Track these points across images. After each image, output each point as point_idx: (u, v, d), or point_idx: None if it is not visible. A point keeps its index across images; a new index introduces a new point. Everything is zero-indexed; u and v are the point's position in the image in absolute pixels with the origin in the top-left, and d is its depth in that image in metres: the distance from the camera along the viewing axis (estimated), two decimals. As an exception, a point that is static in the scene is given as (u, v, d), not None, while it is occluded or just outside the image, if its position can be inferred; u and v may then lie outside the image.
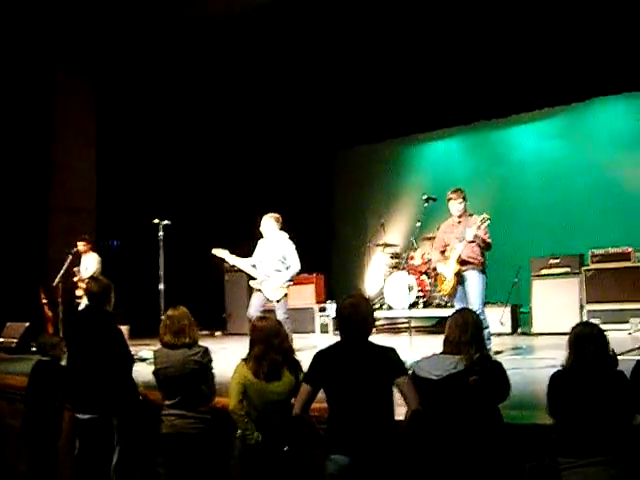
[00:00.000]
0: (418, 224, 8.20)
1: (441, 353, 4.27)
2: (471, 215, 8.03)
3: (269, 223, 9.05)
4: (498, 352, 8.10)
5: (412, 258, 12.87)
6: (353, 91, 13.97)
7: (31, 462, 6.30)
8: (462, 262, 7.85)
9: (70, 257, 11.15)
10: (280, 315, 8.67)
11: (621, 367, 4.04)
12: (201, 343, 5.48)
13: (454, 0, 11.14)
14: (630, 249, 10.74)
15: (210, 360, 5.39)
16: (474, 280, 7.82)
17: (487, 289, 8.01)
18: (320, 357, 4.43)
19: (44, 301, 11.74)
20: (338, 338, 4.46)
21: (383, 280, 13.50)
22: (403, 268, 12.72)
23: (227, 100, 14.42)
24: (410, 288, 11.85)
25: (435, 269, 8.71)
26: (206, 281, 14.21)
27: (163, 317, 5.60)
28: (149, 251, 9.70)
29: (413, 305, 12.02)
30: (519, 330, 11.37)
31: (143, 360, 7.44)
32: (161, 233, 9.16)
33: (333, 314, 12.06)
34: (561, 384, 4.01)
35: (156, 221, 9.19)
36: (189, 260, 13.53)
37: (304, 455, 4.74)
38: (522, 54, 11.86)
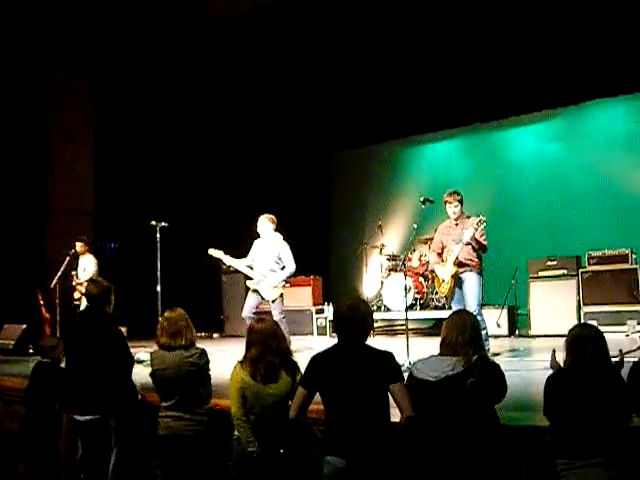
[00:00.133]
0: (415, 226, 8.20)
1: (438, 355, 4.26)
2: (468, 217, 8.05)
3: (264, 223, 9.11)
4: (496, 354, 8.11)
5: (409, 260, 12.88)
6: (351, 93, 13.98)
7: (30, 464, 6.30)
8: (459, 264, 7.87)
9: (68, 259, 11.16)
10: (276, 315, 8.70)
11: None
12: (198, 345, 5.47)
13: (453, 3, 11.13)
14: (627, 251, 10.77)
15: (207, 362, 5.38)
16: (471, 281, 7.84)
17: (484, 290, 8.05)
18: (316, 360, 4.42)
19: (41, 303, 11.74)
20: (335, 340, 4.45)
21: (380, 282, 13.52)
22: (400, 270, 12.73)
23: (225, 102, 14.42)
24: (407, 290, 11.85)
25: (433, 271, 8.71)
26: (203, 283, 14.21)
27: (160, 319, 5.60)
28: (146, 253, 9.70)
29: (410, 307, 12.02)
30: (516, 332, 11.39)
31: (140, 362, 7.43)
32: (158, 235, 9.15)
33: (330, 316, 12.07)
34: (558, 385, 4.01)
35: (153, 223, 9.20)
36: (186, 262, 13.52)
37: (300, 457, 4.74)
38: (521, 56, 11.88)
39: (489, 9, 11.09)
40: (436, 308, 12.46)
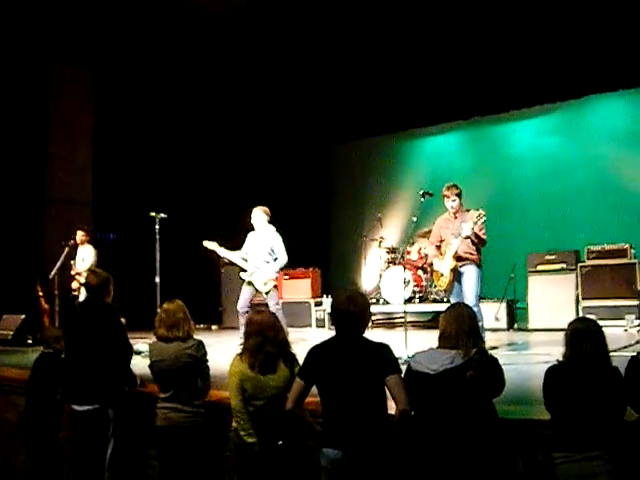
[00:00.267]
0: (414, 219, 8.19)
1: (437, 348, 4.27)
2: (468, 210, 8.03)
3: (258, 215, 9.13)
4: (494, 347, 8.11)
5: (409, 253, 12.88)
6: (351, 86, 13.97)
7: (30, 454, 6.32)
8: (458, 258, 7.86)
9: (67, 249, 11.16)
10: (272, 307, 8.72)
11: (616, 363, 4.05)
12: (197, 337, 5.49)
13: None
14: (626, 246, 10.77)
15: (205, 353, 5.40)
16: (470, 275, 7.83)
17: (483, 284, 8.03)
18: (314, 352, 4.43)
19: (40, 293, 11.74)
20: (334, 332, 4.45)
21: (379, 275, 13.52)
22: (399, 263, 12.75)
23: (225, 94, 14.40)
24: (406, 283, 11.85)
25: (432, 264, 8.71)
26: (202, 275, 14.21)
27: (159, 310, 5.60)
28: (145, 244, 9.70)
29: (409, 300, 12.03)
30: (515, 326, 11.38)
31: (139, 353, 7.44)
32: (157, 226, 9.15)
33: (329, 308, 12.08)
34: (557, 378, 4.02)
35: (152, 214, 9.19)
36: (185, 253, 13.52)
37: (298, 449, 4.75)
38: (520, 50, 11.87)
39: (489, 2, 11.08)
40: (435, 301, 12.45)
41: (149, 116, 14.43)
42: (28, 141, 13.26)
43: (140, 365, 6.21)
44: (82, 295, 10.17)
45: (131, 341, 6.10)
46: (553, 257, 11.19)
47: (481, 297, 8.32)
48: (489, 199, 12.37)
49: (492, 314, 11.10)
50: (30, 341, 10.86)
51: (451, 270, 7.89)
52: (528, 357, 7.84)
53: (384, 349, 4.31)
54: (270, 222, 9.18)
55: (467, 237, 7.75)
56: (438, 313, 10.93)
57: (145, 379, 6.10)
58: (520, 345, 9.11)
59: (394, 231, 15.08)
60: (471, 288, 7.79)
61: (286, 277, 13.87)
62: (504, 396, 4.23)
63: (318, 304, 13.24)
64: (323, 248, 16.73)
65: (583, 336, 4.00)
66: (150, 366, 5.42)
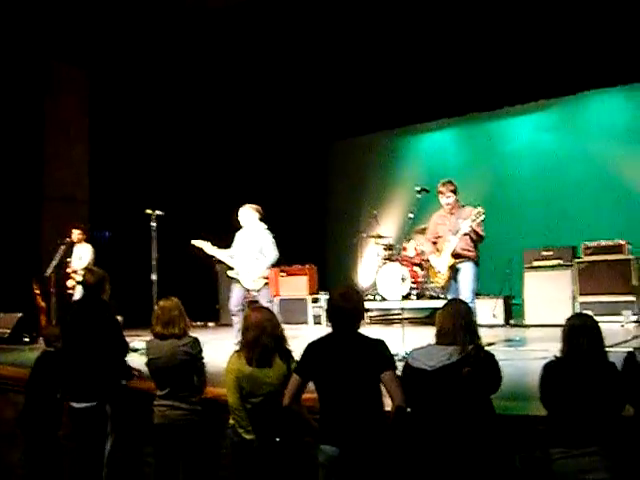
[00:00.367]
0: (411, 215, 8.20)
1: (434, 344, 4.27)
2: (463, 206, 8.03)
3: (248, 213, 9.05)
4: (491, 343, 8.10)
5: (405, 249, 12.88)
6: (348, 82, 13.95)
7: (29, 452, 6.33)
8: (456, 255, 7.86)
9: (63, 247, 11.15)
10: (264, 304, 8.69)
11: (613, 359, 4.05)
12: (193, 334, 5.50)
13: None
14: (623, 242, 10.78)
15: (200, 351, 5.42)
16: (467, 271, 7.84)
17: (479, 281, 8.04)
18: (311, 349, 4.44)
19: (37, 291, 11.72)
20: (330, 329, 4.46)
21: (376, 271, 13.52)
22: (396, 259, 12.75)
23: (222, 90, 14.38)
24: (403, 279, 11.86)
25: (428, 261, 8.71)
26: (199, 272, 14.19)
27: (155, 308, 5.62)
28: (142, 241, 9.68)
29: (406, 296, 12.03)
30: (511, 322, 11.40)
31: (135, 351, 7.45)
32: (154, 223, 9.13)
33: (326, 305, 12.09)
34: (554, 374, 4.02)
35: (148, 211, 9.17)
36: (182, 251, 13.50)
37: (296, 446, 4.75)
38: (517, 46, 11.86)
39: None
40: (432, 298, 12.43)
41: (146, 113, 14.40)
42: (25, 138, 13.23)
43: (137, 363, 6.22)
44: (78, 293, 10.17)
45: (127, 339, 6.12)
46: (549, 253, 11.20)
47: (477, 293, 8.32)
48: (485, 195, 12.38)
49: (488, 310, 11.12)
50: (27, 339, 10.86)
51: (449, 267, 7.90)
52: (524, 353, 7.83)
53: (380, 345, 4.32)
54: (261, 219, 9.11)
55: (466, 234, 7.76)
56: (435, 309, 10.83)
57: (145, 376, 6.13)
58: (516, 341, 9.10)
59: (391, 227, 15.08)
60: (467, 285, 7.80)
61: (282, 274, 13.88)
62: (501, 392, 4.23)
63: (315, 301, 13.24)
64: (320, 245, 16.73)
65: (580, 332, 4.01)
66: (147, 364, 5.45)
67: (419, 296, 12.67)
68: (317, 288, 13.77)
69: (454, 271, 7.92)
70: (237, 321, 8.77)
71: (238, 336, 8.37)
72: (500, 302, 11.28)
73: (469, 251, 7.87)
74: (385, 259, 13.38)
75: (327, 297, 4.71)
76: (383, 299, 12.91)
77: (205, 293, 13.97)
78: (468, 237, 7.80)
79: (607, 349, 4.07)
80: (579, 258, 11.00)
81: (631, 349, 4.16)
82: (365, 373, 4.20)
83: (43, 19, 11.99)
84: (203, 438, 5.39)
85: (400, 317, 8.13)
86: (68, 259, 11.11)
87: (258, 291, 8.85)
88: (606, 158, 13.01)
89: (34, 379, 6.35)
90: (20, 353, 9.60)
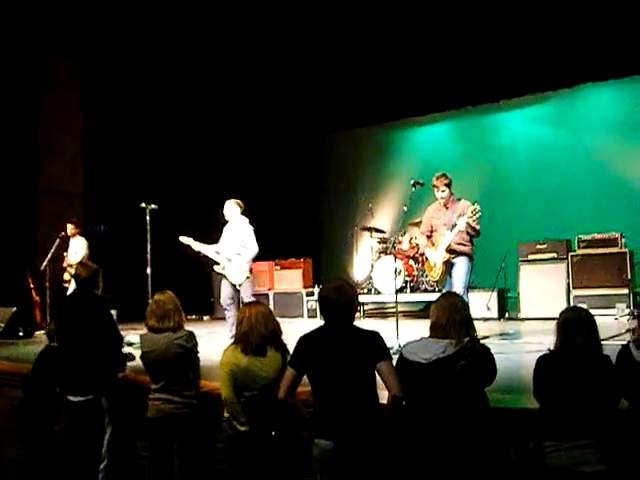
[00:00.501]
0: (405, 209, 8.19)
1: (429, 337, 4.27)
2: (459, 199, 8.01)
3: (231, 207, 9.13)
4: (485, 337, 8.10)
5: (400, 243, 12.88)
6: (342, 75, 13.95)
7: (27, 446, 6.33)
8: (451, 250, 7.85)
9: (57, 241, 11.15)
10: (245, 299, 8.74)
11: (607, 352, 4.06)
12: (189, 328, 5.50)
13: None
14: (617, 235, 10.79)
15: (195, 344, 5.41)
16: (461, 265, 7.83)
17: (474, 274, 8.07)
18: (304, 341, 4.43)
19: (31, 285, 11.72)
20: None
21: (371, 265, 13.53)
22: (391, 253, 12.75)
23: (215, 85, 14.37)
24: (398, 273, 11.86)
25: (423, 254, 8.70)
26: (194, 265, 14.18)
27: (150, 301, 5.61)
28: (136, 235, 9.67)
29: (401, 290, 12.04)
30: (506, 315, 11.42)
31: (130, 344, 7.46)
32: (148, 217, 9.12)
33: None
34: (548, 367, 4.02)
35: (143, 205, 9.16)
36: (176, 244, 13.50)
37: (291, 439, 4.76)
38: (513, 39, 11.88)
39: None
40: (426, 291, 12.47)
41: (139, 107, 14.38)
42: (18, 132, 13.20)
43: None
44: (72, 287, 10.17)
45: (122, 333, 6.12)
46: (544, 246, 11.20)
47: (472, 287, 8.33)
48: (480, 188, 12.42)
49: (483, 303, 11.14)
50: (21, 333, 10.85)
51: (444, 262, 7.89)
52: (519, 346, 7.84)
53: (374, 336, 4.31)
54: (243, 213, 9.15)
55: (461, 230, 7.76)
56: (429, 303, 10.87)
57: (137, 370, 6.14)
58: (511, 334, 9.11)
59: (385, 221, 15.09)
60: (460, 279, 7.80)
61: (277, 267, 13.90)
62: (495, 385, 4.24)
63: (310, 294, 13.25)
64: (314, 238, 16.74)
65: (574, 325, 4.01)
66: (141, 357, 5.45)
67: (414, 289, 12.70)
68: (312, 282, 13.78)
69: (449, 266, 7.91)
70: (229, 315, 8.81)
71: (232, 330, 8.40)
72: (494, 295, 11.29)
73: (464, 246, 7.85)
74: (380, 252, 13.40)
75: (320, 290, 4.70)
76: (378, 292, 12.93)
77: (200, 286, 13.97)
78: (464, 232, 7.80)
79: (601, 342, 4.07)
80: (574, 251, 11.01)
81: (625, 342, 4.17)
82: (360, 365, 4.20)
83: (37, 13, 11.94)
84: (199, 431, 5.40)
85: (395, 310, 8.10)
86: (64, 253, 11.11)
87: (240, 285, 8.86)
88: (601, 151, 13.04)
89: (36, 374, 6.34)
90: (15, 347, 9.59)
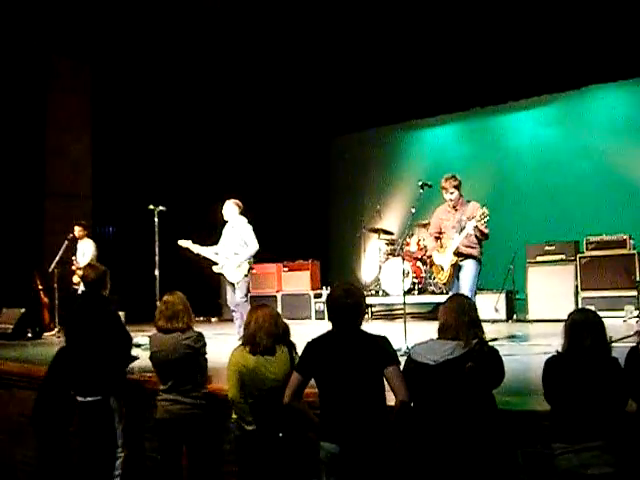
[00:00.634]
0: (413, 210, 8.17)
1: (437, 339, 4.26)
2: (468, 201, 7.98)
3: (230, 207, 9.18)
4: (494, 339, 8.08)
5: (408, 244, 12.87)
6: (350, 78, 13.95)
7: (41, 448, 6.35)
8: (459, 253, 7.83)
9: (66, 243, 11.18)
10: (238, 297, 8.81)
11: (615, 354, 4.05)
12: (197, 329, 5.51)
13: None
14: (625, 236, 10.76)
15: (203, 345, 5.43)
16: (469, 268, 7.80)
17: (482, 276, 8.02)
18: (311, 346, 4.42)
19: (40, 287, 11.76)
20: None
21: (379, 266, 13.53)
22: (399, 254, 12.74)
23: (223, 86, 14.38)
24: (405, 274, 11.85)
25: (431, 257, 8.68)
26: (202, 267, 14.22)
27: (159, 302, 5.64)
28: (145, 237, 9.69)
29: (408, 291, 12.03)
30: (514, 317, 11.39)
31: (138, 346, 7.47)
32: (156, 219, 9.15)
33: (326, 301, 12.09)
34: (556, 369, 4.02)
35: (151, 207, 9.19)
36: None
37: (298, 441, 4.76)
38: (520, 41, 11.86)
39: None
40: (434, 293, 12.46)
41: (148, 109, 14.41)
42: (27, 134, 13.24)
43: (141, 357, 6.24)
44: (82, 289, 10.20)
45: (131, 334, 6.14)
46: (552, 248, 11.18)
47: (480, 288, 8.31)
48: (488, 190, 12.40)
49: (491, 305, 11.12)
50: (30, 335, 10.89)
51: (451, 265, 7.87)
52: (527, 348, 7.84)
53: (382, 341, 4.30)
54: (241, 213, 9.20)
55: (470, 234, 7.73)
56: (437, 304, 10.93)
57: (144, 371, 6.16)
58: (519, 336, 9.10)
59: (393, 222, 15.09)
60: (468, 282, 7.76)
61: (285, 269, 13.90)
62: (503, 387, 4.23)
63: (317, 296, 13.24)
64: (322, 240, 16.75)
65: (582, 327, 4.00)
66: (150, 357, 5.47)
67: (421, 291, 12.69)
68: (320, 283, 13.77)
69: (457, 269, 7.89)
70: (237, 317, 8.85)
71: (240, 331, 8.43)
72: (502, 297, 11.27)
73: (472, 248, 7.81)
74: (388, 254, 13.39)
75: (326, 294, 4.70)
76: (386, 294, 12.93)
77: (208, 288, 13.97)
78: (472, 235, 7.78)
79: (610, 344, 4.06)
80: (582, 253, 10.97)
81: (634, 344, 4.16)
82: (368, 370, 4.19)
83: (45, 14, 11.98)
84: (207, 432, 5.41)
85: (402, 312, 8.10)
86: (73, 256, 11.15)
87: (237, 283, 8.89)
88: (609, 153, 13.02)
89: (51, 374, 6.36)
90: (24, 348, 9.62)
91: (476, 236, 7.77)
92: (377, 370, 4.19)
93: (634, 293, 10.27)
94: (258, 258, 13.83)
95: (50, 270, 11.17)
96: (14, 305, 11.32)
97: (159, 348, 5.34)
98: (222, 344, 8.08)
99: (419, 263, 12.82)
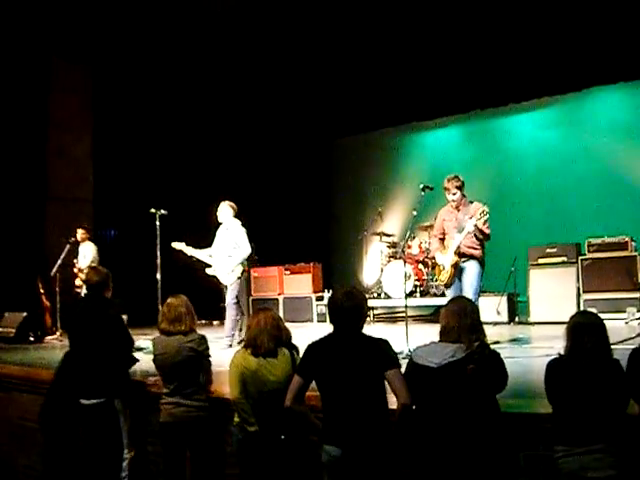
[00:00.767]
0: (415, 213, 8.16)
1: (439, 342, 4.26)
2: (471, 202, 7.97)
3: (224, 210, 9.21)
4: (496, 342, 8.07)
5: (409, 247, 12.86)
6: (351, 80, 13.97)
7: (47, 451, 6.35)
8: (461, 254, 7.82)
9: (68, 246, 11.19)
10: (228, 299, 8.87)
11: (618, 356, 4.05)
12: (199, 332, 5.52)
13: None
14: (627, 238, 10.74)
15: (206, 348, 5.45)
16: (471, 271, 7.79)
17: (484, 278, 8.00)
18: (312, 349, 4.43)
19: (42, 291, 11.75)
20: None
21: (380, 269, 13.52)
22: (400, 257, 12.73)
23: (225, 88, 14.39)
24: (407, 277, 11.84)
25: (434, 258, 8.68)
26: (203, 270, 14.22)
27: (163, 305, 5.65)
28: (146, 240, 9.70)
29: (410, 294, 12.02)
30: (516, 319, 11.37)
31: (140, 349, 7.48)
32: (158, 222, 9.15)
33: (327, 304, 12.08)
34: (558, 372, 4.02)
35: (153, 210, 9.19)
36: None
37: (301, 443, 4.76)
38: (520, 43, 11.88)
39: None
40: (436, 295, 12.44)
41: (149, 111, 14.41)
42: (28, 137, 13.24)
43: (141, 361, 6.24)
44: (84, 292, 10.21)
45: (132, 337, 6.14)
46: (554, 250, 11.17)
47: (482, 291, 8.30)
48: (489, 192, 12.36)
49: (493, 307, 11.10)
50: (32, 338, 10.89)
51: (452, 265, 7.86)
52: (529, 350, 7.82)
53: (383, 344, 4.30)
54: (236, 216, 9.22)
55: (470, 233, 7.72)
56: (439, 307, 10.91)
57: (147, 375, 6.17)
58: (521, 338, 9.08)
59: (395, 225, 15.09)
60: (471, 285, 7.76)
61: (287, 272, 13.90)
62: (505, 390, 4.22)
63: (319, 299, 13.24)
64: (324, 243, 16.74)
65: (584, 329, 4.00)
66: (153, 360, 5.49)
67: (423, 294, 12.68)
68: (322, 286, 13.77)
69: (458, 269, 7.88)
70: (232, 314, 8.88)
71: (229, 334, 8.47)
72: (504, 299, 11.26)
73: (475, 249, 7.81)
74: (389, 257, 13.39)
75: (329, 296, 4.70)
76: (387, 297, 12.92)
77: (209, 291, 13.95)
78: (473, 235, 7.77)
79: (612, 346, 4.06)
80: (584, 255, 10.96)
81: (636, 346, 4.15)
82: (369, 373, 4.19)
83: (46, 16, 11.99)
84: (211, 434, 5.42)
85: (404, 315, 8.08)
86: (75, 259, 11.16)
87: (231, 285, 8.90)
88: (610, 155, 13.01)
89: (59, 377, 6.36)
90: (25, 352, 9.62)
91: (477, 237, 7.76)
92: (378, 373, 4.19)
93: (636, 295, 10.27)
94: (260, 261, 13.94)
95: (52, 274, 11.17)
96: (16, 309, 11.32)
97: (162, 351, 5.36)
98: (224, 347, 8.12)
99: (421, 265, 12.81)
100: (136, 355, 6.20)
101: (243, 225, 9.25)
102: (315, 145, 17.00)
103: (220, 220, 9.22)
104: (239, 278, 9.02)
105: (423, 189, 7.92)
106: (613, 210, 12.55)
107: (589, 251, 10.97)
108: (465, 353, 4.05)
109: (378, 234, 13.88)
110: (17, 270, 12.22)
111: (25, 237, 12.85)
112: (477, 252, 7.84)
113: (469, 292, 7.64)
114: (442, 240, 8.15)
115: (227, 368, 4.95)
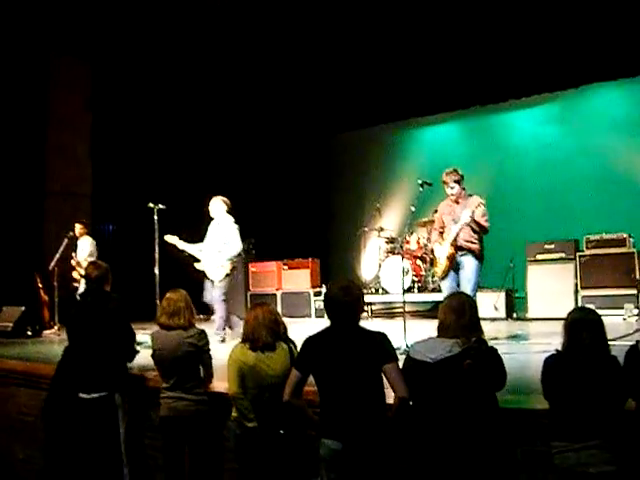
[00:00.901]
0: (413, 209, 8.16)
1: (437, 337, 4.26)
2: (470, 195, 7.95)
3: (217, 205, 9.18)
4: (493, 338, 8.08)
5: (407, 242, 12.87)
6: (349, 75, 13.94)
7: (49, 445, 6.35)
8: (459, 247, 7.79)
9: (66, 241, 11.19)
10: (216, 296, 8.83)
11: (615, 352, 4.05)
12: (197, 326, 5.52)
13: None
14: (625, 235, 10.77)
15: (206, 342, 5.46)
16: (469, 267, 7.76)
17: (481, 275, 7.98)
18: (309, 343, 4.43)
19: (40, 285, 11.75)
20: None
21: (379, 264, 13.53)
22: (398, 252, 12.75)
23: (224, 84, 14.37)
24: (405, 272, 11.85)
25: (432, 250, 8.66)
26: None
27: (162, 299, 5.65)
28: (144, 235, 9.69)
29: (408, 289, 12.02)
30: (514, 315, 11.39)
31: (139, 344, 7.48)
32: (156, 217, 9.14)
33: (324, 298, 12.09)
34: (555, 368, 4.02)
35: (151, 205, 9.18)
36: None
37: (299, 438, 4.77)
38: (520, 39, 11.86)
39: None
40: (434, 290, 12.44)
41: (148, 107, 14.39)
42: (27, 133, 13.21)
43: (139, 355, 6.24)
44: (82, 286, 10.20)
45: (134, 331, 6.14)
46: (552, 246, 11.18)
47: (480, 287, 8.29)
48: (488, 188, 12.34)
49: (491, 303, 11.12)
50: (30, 333, 10.90)
51: (447, 257, 7.83)
52: (527, 346, 7.83)
53: (381, 337, 4.30)
54: (229, 212, 9.19)
55: (467, 224, 7.69)
56: (437, 302, 10.92)
57: (145, 369, 6.17)
58: (519, 335, 9.09)
59: (393, 221, 15.09)
60: (469, 280, 7.72)
61: (285, 267, 13.92)
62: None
63: (317, 294, 13.25)
64: (322, 238, 16.73)
65: (582, 325, 4.00)
66: (152, 355, 5.48)
67: (421, 289, 12.69)
68: (320, 281, 13.78)
69: (454, 263, 7.85)
70: (219, 310, 8.86)
71: (219, 332, 8.46)
72: (502, 295, 11.27)
73: (472, 243, 7.77)
74: (387, 252, 13.40)
75: (324, 291, 4.70)
76: (385, 292, 12.93)
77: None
78: (470, 228, 7.73)
79: (609, 342, 4.06)
80: (582, 251, 10.98)
81: (633, 342, 4.16)
82: (366, 366, 4.19)
83: (46, 13, 11.97)
84: (210, 428, 5.43)
85: (402, 310, 8.09)
86: (73, 253, 11.16)
87: (220, 281, 8.89)
88: (609, 151, 13.01)
89: (60, 371, 6.36)
90: (23, 346, 9.62)
91: (474, 230, 7.73)
92: (375, 367, 4.19)
93: (634, 292, 10.29)
94: (259, 256, 13.93)
95: (50, 268, 11.17)
96: (14, 303, 11.32)
97: (161, 346, 5.37)
98: (221, 343, 8.12)
99: (419, 261, 12.82)
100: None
101: (239, 221, 9.23)
102: (313, 140, 16.99)
103: (212, 215, 9.19)
104: (228, 275, 8.97)
105: (422, 185, 7.92)
106: (611, 207, 12.55)
107: (587, 247, 10.99)
108: (462, 348, 4.05)
109: (376, 229, 13.88)
110: (15, 264, 12.21)
111: (23, 232, 12.84)
112: (475, 246, 7.80)
113: (467, 287, 7.61)
114: (442, 234, 8.13)
115: (225, 362, 4.95)
